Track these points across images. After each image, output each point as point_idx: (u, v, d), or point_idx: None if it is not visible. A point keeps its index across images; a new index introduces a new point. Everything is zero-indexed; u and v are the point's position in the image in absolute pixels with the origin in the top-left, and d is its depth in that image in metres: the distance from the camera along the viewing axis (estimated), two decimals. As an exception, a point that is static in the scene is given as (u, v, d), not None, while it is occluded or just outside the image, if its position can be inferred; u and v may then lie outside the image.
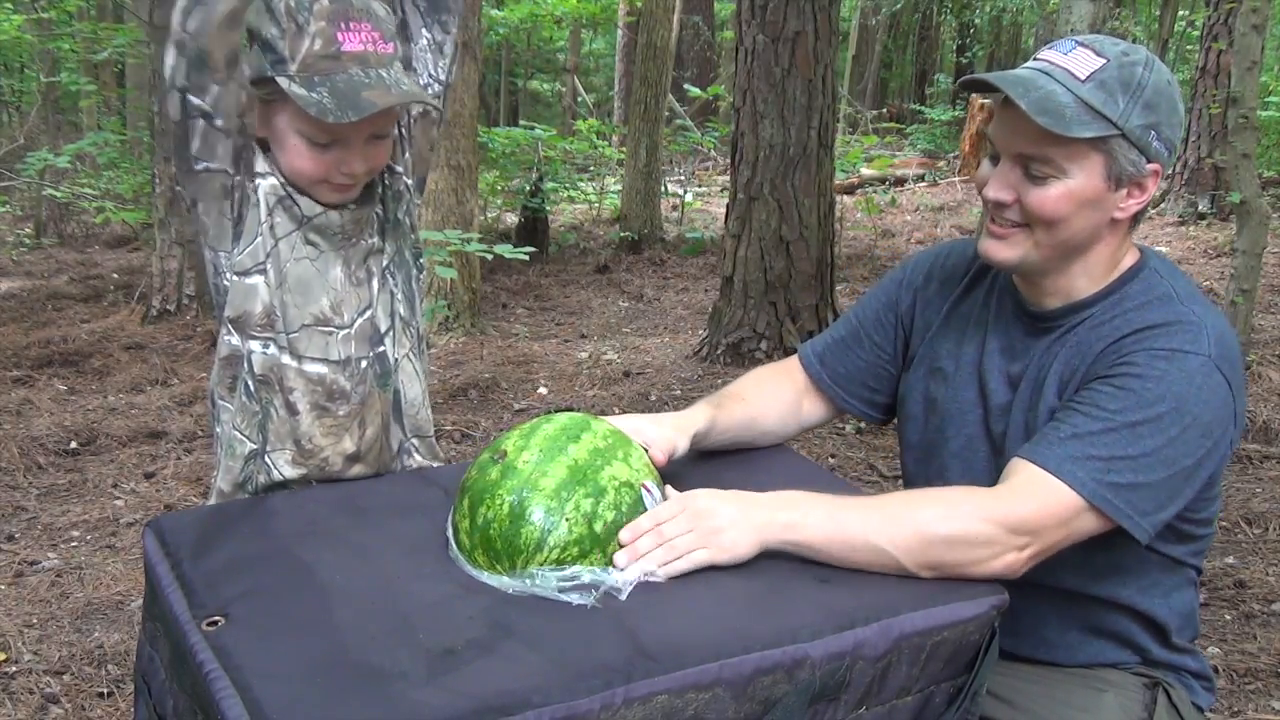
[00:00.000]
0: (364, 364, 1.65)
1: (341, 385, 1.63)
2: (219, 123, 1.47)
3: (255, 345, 1.59)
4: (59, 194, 8.96)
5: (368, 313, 1.65)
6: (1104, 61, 1.37)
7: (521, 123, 12.21)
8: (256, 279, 1.56)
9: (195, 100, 1.46)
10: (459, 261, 5.68)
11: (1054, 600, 1.47)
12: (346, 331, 1.63)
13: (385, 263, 1.68)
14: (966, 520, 1.29)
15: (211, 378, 1.65)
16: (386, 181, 1.67)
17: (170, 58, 1.44)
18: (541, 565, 1.25)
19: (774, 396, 1.70)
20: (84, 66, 9.87)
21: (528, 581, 1.23)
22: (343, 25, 1.44)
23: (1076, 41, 1.41)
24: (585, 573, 1.24)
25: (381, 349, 1.68)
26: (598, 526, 1.27)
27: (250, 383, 1.60)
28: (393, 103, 1.47)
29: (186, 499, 3.75)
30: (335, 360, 1.62)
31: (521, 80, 17.74)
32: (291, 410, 1.61)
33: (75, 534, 3.51)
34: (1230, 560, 3.25)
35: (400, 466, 1.75)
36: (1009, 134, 1.40)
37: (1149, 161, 1.39)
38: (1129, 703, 1.45)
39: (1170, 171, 9.26)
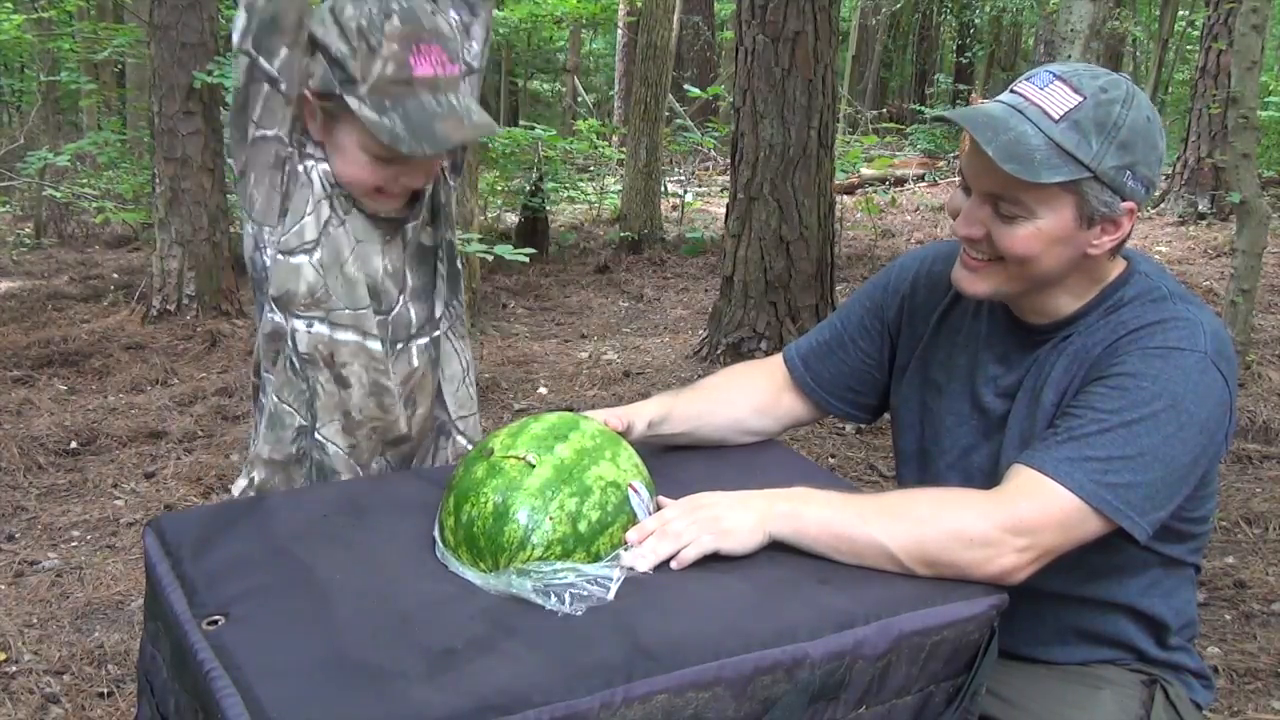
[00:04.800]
0: (413, 347, 1.67)
1: (389, 364, 1.65)
2: (283, 87, 1.47)
3: (299, 324, 1.60)
4: (59, 194, 8.96)
5: (410, 299, 1.67)
6: (1080, 99, 1.33)
7: (521, 123, 12.21)
8: (302, 259, 1.57)
9: (264, 64, 1.45)
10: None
11: (1050, 601, 1.47)
12: (387, 317, 1.65)
13: (433, 246, 1.69)
14: (965, 518, 1.29)
15: (255, 351, 1.67)
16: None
17: (241, 20, 1.44)
18: (525, 564, 1.25)
19: (745, 390, 1.71)
20: (84, 66, 9.86)
21: (508, 580, 1.23)
22: (414, 49, 1.44)
23: (1054, 74, 1.37)
24: (570, 571, 1.24)
25: (437, 333, 1.71)
26: (582, 526, 1.27)
27: (295, 360, 1.61)
28: (466, 139, 1.48)
29: (186, 499, 3.75)
30: (386, 339, 1.64)
31: (521, 80, 17.73)
32: (342, 383, 1.63)
33: (75, 534, 3.51)
34: (1230, 560, 3.25)
35: (444, 448, 1.78)
36: (978, 172, 1.38)
37: (1123, 200, 1.37)
38: (1127, 700, 1.45)
39: (1170, 171, 9.26)
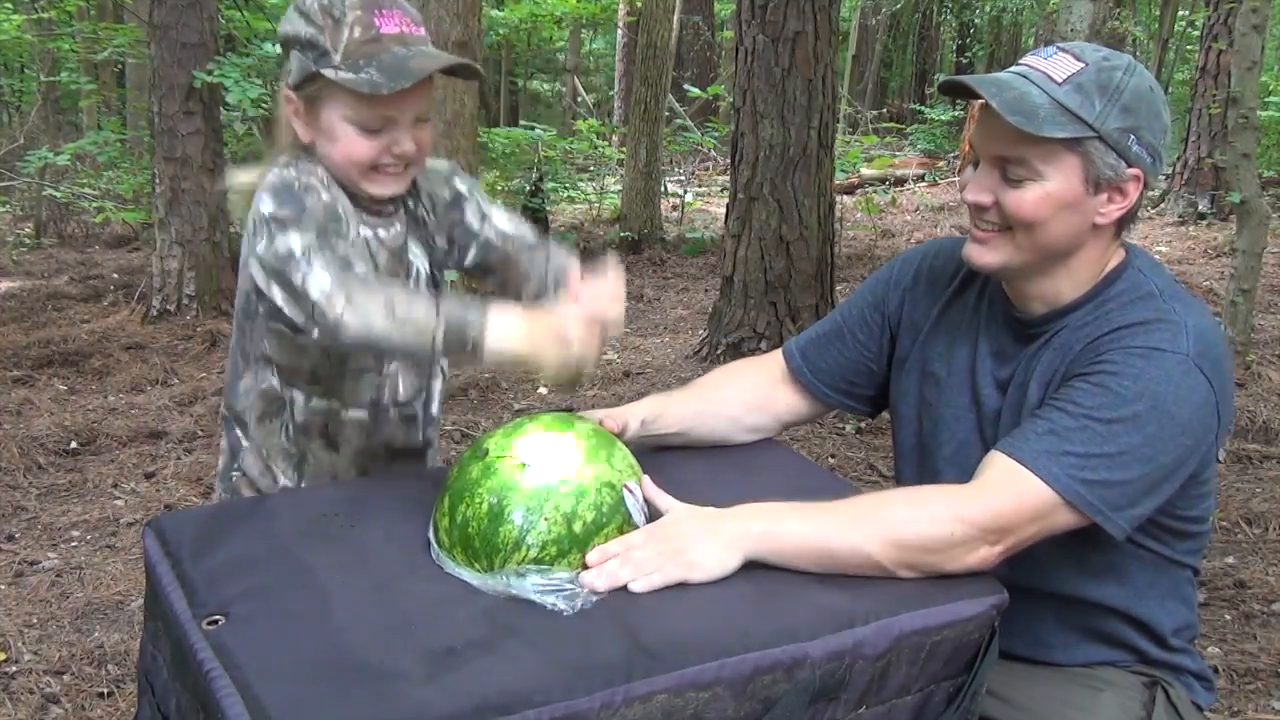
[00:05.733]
0: (393, 411, 1.69)
1: (378, 425, 1.67)
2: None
3: (299, 395, 1.62)
4: (59, 194, 8.96)
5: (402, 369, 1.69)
6: (1083, 66, 1.37)
7: (521, 123, 12.22)
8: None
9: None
10: (459, 261, 5.67)
11: (1050, 602, 1.47)
12: (391, 378, 1.67)
13: (421, 290, 1.69)
14: (938, 521, 1.30)
15: (236, 396, 1.66)
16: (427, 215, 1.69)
17: (303, 311, 1.40)
18: (520, 564, 1.25)
19: (741, 387, 1.71)
20: (84, 66, 9.86)
21: (505, 580, 1.23)
22: (377, 11, 1.49)
23: (1058, 47, 1.41)
24: (565, 575, 1.24)
25: (425, 397, 1.73)
26: (577, 526, 1.27)
27: (291, 429, 1.63)
28: (440, 65, 1.50)
29: (186, 499, 3.75)
30: (379, 402, 1.66)
31: (521, 80, 17.75)
32: (332, 447, 1.65)
33: (75, 534, 3.51)
34: (1230, 560, 3.25)
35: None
36: (987, 137, 1.41)
37: (1129, 166, 1.38)
38: (1128, 702, 1.45)
39: (1170, 171, 9.25)
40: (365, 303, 1.36)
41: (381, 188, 1.56)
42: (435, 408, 1.75)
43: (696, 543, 1.28)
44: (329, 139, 1.53)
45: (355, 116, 1.50)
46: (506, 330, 1.36)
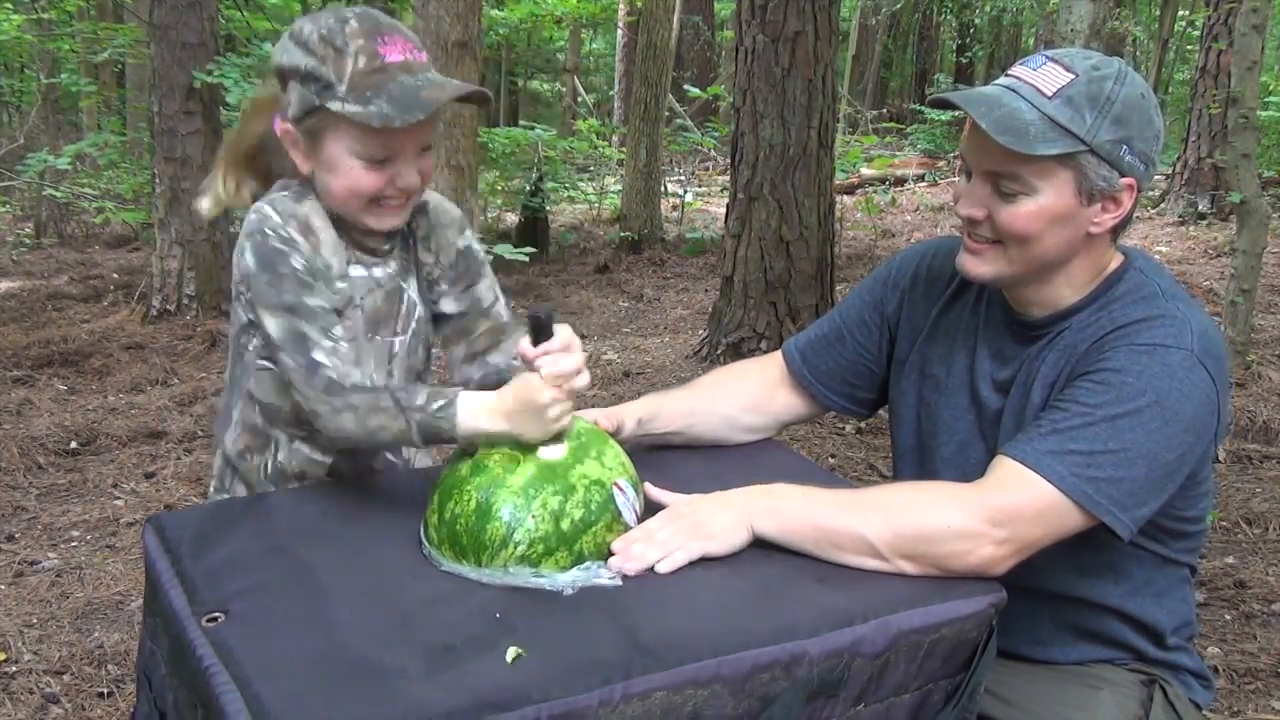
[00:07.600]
0: (375, 459, 1.68)
1: (356, 472, 1.66)
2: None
3: (282, 437, 1.61)
4: (59, 194, 8.96)
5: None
6: (1072, 77, 1.36)
7: (521, 123, 12.21)
8: None
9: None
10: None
11: (1046, 602, 1.47)
12: None
13: (417, 328, 1.67)
14: (943, 511, 1.30)
15: (227, 438, 1.65)
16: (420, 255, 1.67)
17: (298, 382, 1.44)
18: (507, 561, 1.25)
19: (738, 387, 1.71)
20: (84, 66, 9.86)
21: (501, 573, 1.23)
22: (380, 40, 1.44)
23: (1047, 57, 1.40)
24: (559, 575, 1.25)
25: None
26: (564, 524, 1.27)
27: (269, 466, 1.63)
28: (452, 95, 1.47)
29: (186, 499, 3.75)
30: (360, 452, 1.65)
31: (521, 80, 17.75)
32: None
33: (75, 534, 3.51)
34: (1230, 560, 3.25)
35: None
36: (978, 152, 1.40)
37: (1122, 176, 1.38)
38: (1126, 700, 1.45)
39: (1170, 172, 9.25)
40: (332, 417, 1.41)
41: (381, 221, 1.53)
42: (418, 455, 1.74)
43: (712, 515, 1.33)
44: (330, 172, 1.48)
45: (361, 149, 1.46)
46: (476, 411, 1.36)
